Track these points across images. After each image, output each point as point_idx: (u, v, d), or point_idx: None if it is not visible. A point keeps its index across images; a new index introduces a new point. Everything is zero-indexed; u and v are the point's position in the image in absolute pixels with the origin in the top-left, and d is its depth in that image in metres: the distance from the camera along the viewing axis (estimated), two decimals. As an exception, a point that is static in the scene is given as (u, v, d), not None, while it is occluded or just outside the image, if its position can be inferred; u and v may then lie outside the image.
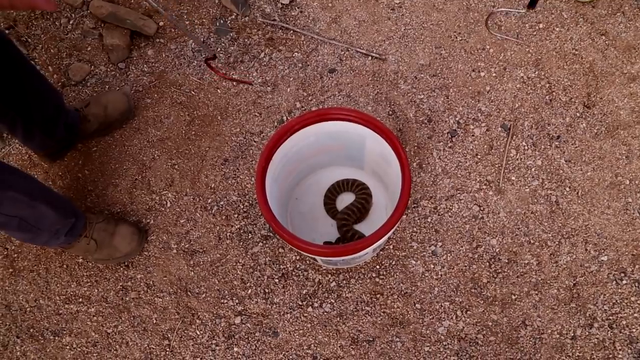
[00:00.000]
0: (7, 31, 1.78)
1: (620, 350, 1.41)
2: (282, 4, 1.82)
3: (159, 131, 1.68)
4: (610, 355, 1.40)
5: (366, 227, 1.54)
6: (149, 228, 1.58)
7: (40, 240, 1.39)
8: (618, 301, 1.45)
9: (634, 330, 1.42)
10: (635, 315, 1.43)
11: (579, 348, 1.41)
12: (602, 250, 1.50)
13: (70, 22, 1.82)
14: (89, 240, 1.46)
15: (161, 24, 1.80)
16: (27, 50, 1.77)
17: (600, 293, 1.46)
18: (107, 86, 1.73)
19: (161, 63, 1.76)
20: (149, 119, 1.70)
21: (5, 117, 1.40)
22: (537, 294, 1.47)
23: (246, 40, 1.78)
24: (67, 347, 1.48)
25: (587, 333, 1.43)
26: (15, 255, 1.57)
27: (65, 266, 1.55)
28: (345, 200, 1.58)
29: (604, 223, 1.53)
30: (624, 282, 1.47)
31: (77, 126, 1.58)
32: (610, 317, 1.44)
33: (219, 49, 1.77)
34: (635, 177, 1.57)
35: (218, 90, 1.72)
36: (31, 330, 1.50)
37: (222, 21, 1.80)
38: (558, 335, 1.43)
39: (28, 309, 1.52)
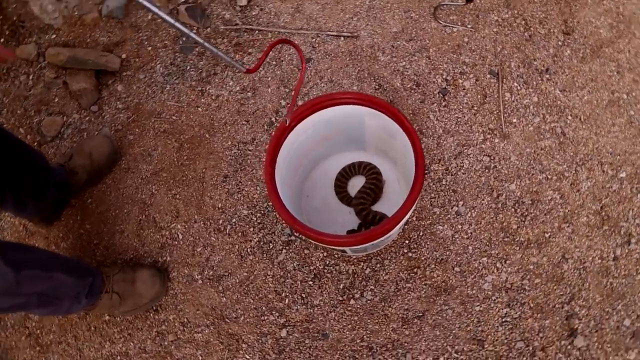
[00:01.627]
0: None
1: (662, 259, 1.41)
2: (240, 6, 1.77)
3: (150, 165, 1.62)
4: (655, 266, 1.41)
5: (384, 206, 1.51)
6: (168, 265, 1.52)
7: (63, 310, 1.32)
8: (648, 212, 1.46)
9: (669, 236, 1.43)
10: (667, 221, 1.44)
11: (623, 267, 1.41)
12: (619, 167, 1.50)
13: (30, 78, 1.73)
14: (111, 294, 1.40)
15: (124, 56, 1.73)
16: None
17: (629, 209, 1.46)
18: (85, 133, 1.66)
19: (134, 96, 1.70)
20: (136, 155, 1.63)
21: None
22: (568, 226, 1.46)
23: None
24: (117, 407, 1.42)
25: (626, 251, 1.42)
26: (38, 331, 1.49)
27: (93, 328, 1.48)
28: (356, 184, 1.55)
29: (613, 141, 1.53)
30: (648, 192, 1.47)
31: (66, 182, 1.51)
32: (644, 230, 1.44)
33: (188, 67, 1.71)
34: (631, 89, 1.57)
35: (199, 109, 1.67)
36: (76, 400, 1.44)
37: (184, 38, 1.74)
38: (600, 260, 1.42)
39: (67, 381, 1.46)
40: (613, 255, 1.43)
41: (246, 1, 1.77)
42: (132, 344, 1.46)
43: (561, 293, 1.41)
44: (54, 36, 1.75)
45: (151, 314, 1.48)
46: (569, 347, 1.36)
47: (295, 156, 1.41)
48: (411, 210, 1.20)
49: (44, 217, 1.53)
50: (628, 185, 1.48)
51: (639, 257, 1.41)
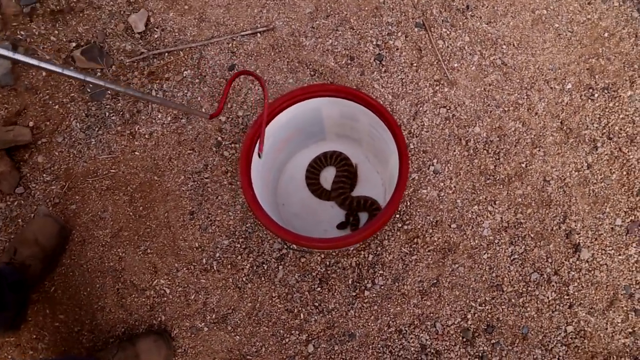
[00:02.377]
0: None
1: (628, 152, 1.47)
2: (138, 33, 1.61)
3: (106, 229, 1.46)
4: (624, 161, 1.47)
5: (364, 188, 1.47)
6: (166, 325, 1.39)
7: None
8: (601, 114, 1.51)
9: (627, 129, 1.49)
10: (621, 116, 1.50)
11: (598, 172, 1.46)
12: (564, 80, 1.54)
13: None
14: (118, 378, 1.27)
15: (31, 124, 1.53)
16: None
17: (585, 116, 1.51)
18: (19, 220, 1.46)
19: (60, 162, 1.51)
20: (87, 223, 1.46)
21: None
22: (539, 150, 1.49)
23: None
24: None
25: (596, 156, 1.48)
26: None
27: (108, 419, 1.34)
28: (328, 177, 1.49)
29: (550, 57, 1.57)
30: (596, 95, 1.53)
31: (21, 279, 1.33)
32: (605, 130, 1.50)
33: (106, 113, 1.55)
34: (548, 3, 1.61)
35: (136, 153, 1.52)
36: None
37: (91, 85, 1.57)
38: (577, 173, 1.47)
39: None
40: (586, 164, 1.48)
41: (143, 26, 1.61)
42: (158, 420, 1.33)
43: (554, 215, 1.44)
44: (-55, 126, 1.51)
45: (167, 382, 1.36)
46: (577, 262, 1.41)
47: (264, 171, 1.32)
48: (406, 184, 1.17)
49: (8, 326, 1.34)
50: (577, 94, 1.53)
51: (608, 157, 1.48)
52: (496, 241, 1.42)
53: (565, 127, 1.50)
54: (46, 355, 1.36)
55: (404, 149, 1.15)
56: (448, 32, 1.58)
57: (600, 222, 1.43)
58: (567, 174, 1.47)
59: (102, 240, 1.46)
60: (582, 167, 1.47)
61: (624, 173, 1.46)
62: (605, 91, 1.52)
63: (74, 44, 1.59)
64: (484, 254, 1.42)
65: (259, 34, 1.61)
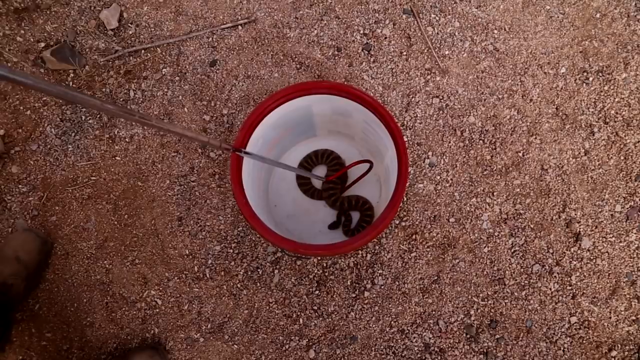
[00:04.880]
0: None
1: (625, 136, 1.44)
2: (111, 30, 1.51)
3: (90, 240, 1.39)
4: (621, 145, 1.44)
5: (357, 185, 1.41)
6: (160, 338, 1.33)
7: None
8: (597, 98, 1.48)
9: (624, 113, 1.46)
10: (617, 100, 1.47)
11: (595, 158, 1.43)
12: (557, 64, 1.50)
13: None
14: (112, 398, 1.21)
15: (2, 132, 1.43)
16: None
17: (580, 100, 1.48)
18: (-3, 236, 1.38)
19: (36, 172, 1.42)
20: (69, 235, 1.39)
21: None
22: (535, 138, 1.45)
23: (104, 89, 1.48)
24: None
25: (593, 141, 1.45)
26: None
27: None
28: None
29: (542, 41, 1.52)
30: (591, 78, 1.49)
31: (2, 300, 1.25)
32: (601, 115, 1.46)
33: (83, 117, 1.46)
34: (538, -16, 1.57)
35: (117, 158, 1.44)
36: None
37: (63, 86, 1.47)
38: (574, 159, 1.44)
39: None
40: (584, 150, 1.44)
41: (116, 22, 1.51)
42: None
43: (553, 204, 1.41)
44: None
45: (164, 397, 1.31)
46: (578, 251, 1.38)
47: (255, 173, 1.26)
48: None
49: (-7, 348, 1.27)
50: (571, 79, 1.49)
51: (605, 142, 1.45)
52: (496, 234, 1.39)
53: (560, 113, 1.46)
54: (35, 377, 1.30)
55: (402, 148, 1.09)
56: (437, 18, 1.52)
57: (599, 210, 1.41)
58: (565, 161, 1.44)
59: (87, 253, 1.38)
60: (579, 153, 1.44)
61: (622, 158, 1.43)
62: (600, 74, 1.49)
63: (42, 44, 1.49)
64: (484, 247, 1.38)
65: (240, 27, 1.53)
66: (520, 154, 1.44)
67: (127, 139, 1.45)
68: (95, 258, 1.38)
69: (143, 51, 1.52)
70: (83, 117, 1.46)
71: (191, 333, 1.34)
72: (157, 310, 1.35)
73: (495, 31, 1.52)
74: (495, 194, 1.42)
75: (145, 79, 1.50)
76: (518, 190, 1.42)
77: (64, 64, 1.47)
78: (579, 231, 1.39)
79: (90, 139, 1.45)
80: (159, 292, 1.36)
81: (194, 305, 1.35)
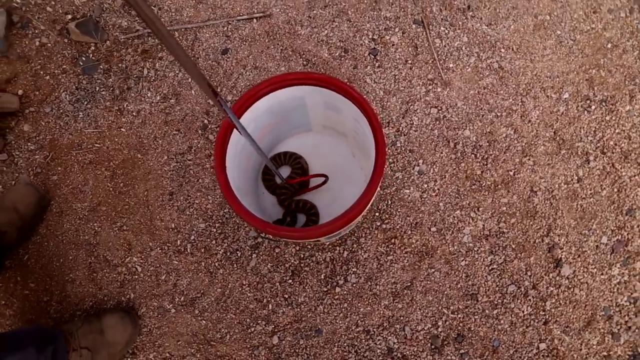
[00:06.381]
0: None
1: (621, 168, 1.42)
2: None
3: (85, 202, 1.46)
4: (616, 177, 1.42)
5: (348, 184, 1.44)
6: (134, 303, 1.39)
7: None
8: (597, 127, 1.46)
9: (623, 145, 1.44)
10: (617, 131, 1.45)
11: (588, 186, 1.42)
12: (561, 89, 1.50)
13: None
14: (80, 352, 1.25)
15: (20, 92, 1.54)
16: None
17: (580, 128, 1.47)
18: (0, 187, 1.48)
19: (46, 132, 1.51)
20: (67, 195, 1.47)
21: None
22: (529, 159, 1.45)
23: (120, 65, 1.57)
24: None
25: (587, 169, 1.43)
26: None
27: (68, 390, 1.34)
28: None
29: (549, 64, 1.52)
30: (593, 107, 1.48)
31: (-5, 245, 1.34)
32: (599, 144, 1.45)
33: (97, 88, 1.55)
34: (552, 9, 1.56)
35: (122, 130, 1.51)
36: None
37: (83, 58, 1.57)
38: (566, 185, 1.42)
39: None
40: (577, 177, 1.43)
41: (143, 2, 1.61)
42: (116, 397, 1.33)
43: (538, 227, 1.40)
44: None
45: (128, 358, 1.35)
46: (557, 278, 1.36)
47: (243, 157, 1.30)
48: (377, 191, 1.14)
49: (-22, 289, 1.35)
50: (573, 105, 1.49)
51: (600, 172, 1.43)
52: (476, 249, 1.39)
53: (558, 138, 1.46)
54: (13, 322, 1.37)
55: (380, 138, 1.11)
56: (446, 31, 1.55)
57: (585, 239, 1.38)
58: (556, 186, 1.42)
59: (80, 214, 1.46)
60: (572, 180, 1.42)
61: (615, 190, 1.41)
62: (603, 104, 1.47)
63: (69, 16, 1.59)
64: (462, 260, 1.38)
65: (255, 20, 1.59)
66: (511, 173, 1.43)
67: (134, 113, 1.53)
68: (87, 219, 1.45)
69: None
70: (97, 88, 1.55)
71: (164, 303, 1.39)
72: (136, 276, 1.41)
73: (503, 50, 1.53)
74: (480, 209, 1.41)
75: (160, 59, 1.58)
76: (504, 208, 1.41)
77: (87, 37, 1.57)
78: (561, 257, 1.37)
79: (101, 109, 1.54)
80: (140, 259, 1.42)
81: (171, 277, 1.40)
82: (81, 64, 1.56)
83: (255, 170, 1.46)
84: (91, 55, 1.58)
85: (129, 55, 1.58)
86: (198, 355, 1.34)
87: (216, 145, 1.14)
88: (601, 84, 1.49)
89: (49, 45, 1.58)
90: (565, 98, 1.49)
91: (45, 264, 1.42)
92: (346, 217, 1.09)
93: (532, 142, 1.45)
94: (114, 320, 1.32)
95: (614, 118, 1.46)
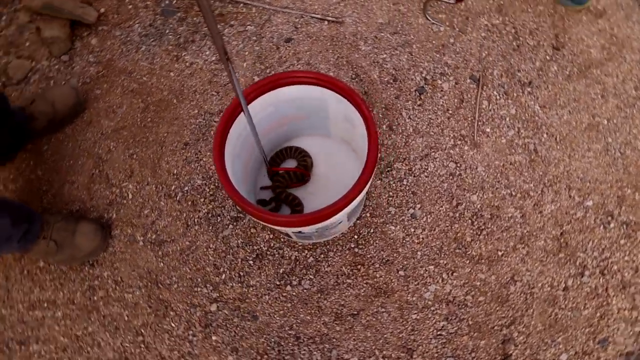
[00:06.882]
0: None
1: (613, 296, 1.34)
2: (229, -24, 1.73)
3: (112, 122, 1.59)
4: (604, 302, 1.34)
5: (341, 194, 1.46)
6: (112, 223, 1.49)
7: (-8, 247, 1.31)
8: (607, 246, 1.39)
9: (625, 274, 1.36)
10: (626, 258, 1.37)
11: (571, 299, 1.35)
12: (587, 195, 1.44)
13: (3, 18, 1.71)
14: (48, 241, 1.37)
15: (102, 10, 1.70)
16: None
17: (589, 239, 1.40)
18: (52, 81, 1.63)
19: (107, 51, 1.67)
20: (100, 110, 1.61)
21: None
22: (523, 248, 1.40)
23: (195, 19, 1.69)
24: (35, 355, 1.38)
25: (578, 282, 1.36)
26: (-28, 266, 1.49)
27: (26, 272, 1.46)
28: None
29: (585, 167, 1.46)
30: (612, 225, 1.40)
31: (24, 127, 1.49)
32: (601, 263, 1.38)
33: (167, 31, 1.68)
34: (613, 115, 1.50)
35: (171, 74, 1.63)
36: (-4, 343, 1.42)
37: (167, 1, 1.71)
38: (549, 288, 1.36)
39: (-9, 322, 1.44)
40: (564, 285, 1.36)
41: (236, -28, 1.73)
42: (61, 293, 1.43)
43: (503, 315, 1.35)
44: (34, -21, 1.73)
45: (86, 268, 1.45)
46: (500, 370, 1.31)
47: (246, 142, 1.36)
48: (357, 200, 1.15)
49: (-4, 156, 1.51)
50: (593, 215, 1.42)
51: (589, 291, 1.35)
52: (433, 308, 1.36)
53: (562, 240, 1.39)
54: (11, 196, 1.51)
55: (368, 169, 1.14)
56: (498, 97, 1.53)
57: (544, 347, 1.31)
58: (539, 284, 1.36)
59: (104, 130, 1.59)
60: (558, 285, 1.36)
61: (598, 314, 1.33)
62: (624, 226, 1.39)
63: (172, -38, 1.75)
64: (415, 314, 1.36)
65: (326, 22, 1.66)
66: (500, 254, 1.39)
67: (187, 63, 1.64)
68: (107, 137, 1.58)
69: (242, 5, 1.71)
70: (167, 31, 1.68)
71: (136, 234, 1.47)
72: (125, 201, 1.51)
73: (545, 135, 1.49)
74: (454, 274, 1.38)
75: (230, 26, 1.69)
76: (478, 283, 1.37)
77: (179, -17, 1.71)
78: (511, 354, 1.31)
79: (162, 49, 1.67)
80: (134, 188, 1.52)
81: (152, 214, 1.49)
82: (163, 5, 1.71)
83: (259, 159, 1.52)
84: (174, 1, 1.72)
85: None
86: (143, 290, 1.42)
87: (224, 113, 1.21)
88: (630, 207, 1.41)
89: (144, -20, 1.74)
90: (587, 205, 1.42)
91: (57, 160, 1.56)
92: (325, 211, 1.12)
93: (534, 234, 1.40)
94: (87, 229, 1.42)
95: (628, 244, 1.38)
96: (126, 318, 1.41)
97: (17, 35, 1.68)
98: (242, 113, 1.27)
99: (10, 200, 1.35)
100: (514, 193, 1.45)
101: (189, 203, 1.50)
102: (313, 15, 1.66)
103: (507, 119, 1.51)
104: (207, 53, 1.65)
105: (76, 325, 1.41)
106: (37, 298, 1.43)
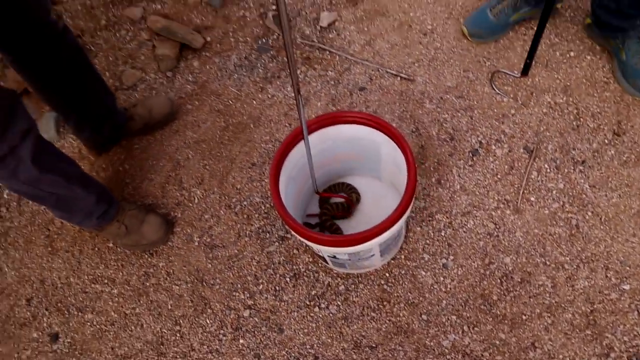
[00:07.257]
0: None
1: (636, 384, 1.32)
2: (320, 26, 1.94)
3: (195, 134, 1.81)
4: (626, 389, 1.32)
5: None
6: (176, 221, 1.68)
7: (75, 220, 1.52)
8: (638, 332, 1.38)
9: (653, 364, 1.34)
10: (656, 348, 1.35)
11: (591, 377, 1.34)
12: (625, 279, 1.44)
13: (129, 34, 2.03)
14: (120, 225, 1.58)
15: (208, 39, 1.97)
16: (90, 57, 1.98)
17: (620, 323, 1.39)
18: (154, 91, 1.90)
19: (205, 74, 1.92)
20: (188, 122, 1.83)
21: (62, 109, 1.59)
22: (549, 317, 1.42)
23: (284, 58, 1.91)
24: (88, 323, 1.57)
25: (601, 362, 1.36)
26: (56, 236, 1.71)
27: (97, 249, 1.67)
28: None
29: (627, 251, 1.47)
30: (646, 313, 1.39)
31: (123, 125, 1.74)
32: (630, 349, 1.36)
33: (258, 65, 1.91)
34: (665, 207, 1.51)
35: (254, 102, 1.84)
36: (59, 304, 1.61)
37: (264, 40, 1.94)
38: (569, 362, 1.37)
39: (59, 285, 1.64)
40: (585, 361, 1.36)
41: (327, 23, 1.94)
42: (121, 274, 1.62)
43: (516, 377, 1.37)
44: (158, 6, 2.06)
45: (146, 256, 1.64)
46: None
47: (301, 169, 1.48)
48: (389, 232, 1.25)
49: (96, 146, 1.76)
50: (628, 299, 1.41)
51: (611, 372, 1.34)
52: (448, 357, 1.40)
53: (591, 318, 1.40)
54: (98, 179, 1.74)
55: (404, 203, 1.24)
56: (548, 170, 1.59)
57: (554, 418, 1.31)
58: (560, 356, 1.37)
59: (187, 140, 1.80)
60: (578, 361, 1.36)
61: (616, 397, 1.31)
62: (658, 317, 1.38)
63: (273, 7, 1.98)
64: (430, 358, 1.40)
65: (399, 78, 1.81)
66: (524, 317, 1.41)
67: (269, 95, 1.85)
68: (188, 146, 1.79)
69: (328, 52, 1.90)
70: (258, 65, 1.91)
71: (194, 235, 1.65)
72: (190, 204, 1.70)
73: (590, 214, 1.52)
74: (475, 328, 1.42)
75: (313, 69, 1.88)
76: (497, 342, 1.40)
77: (276, 27, 1.94)
78: (519, 417, 1.31)
79: (250, 80, 1.89)
80: (201, 194, 1.71)
81: (211, 220, 1.66)
82: (260, 43, 1.94)
83: (318, 185, 1.66)
84: (270, 41, 1.95)
85: (296, 55, 1.91)
86: (189, 285, 1.57)
87: (286, 137, 1.37)
88: (667, 297, 1.40)
89: (248, 19, 1.99)
90: (624, 289, 1.42)
91: (142, 159, 1.79)
92: (357, 236, 1.23)
93: (563, 306, 1.42)
94: (154, 221, 1.62)
95: (659, 334, 1.36)
96: (169, 307, 1.56)
97: (136, 50, 1.99)
98: (302, 141, 1.43)
99: (99, 183, 1.57)
100: (548, 263, 1.48)
101: (245, 216, 1.66)
102: (388, 70, 1.82)
103: (554, 191, 1.56)
104: (289, 89, 1.84)
105: (127, 304, 1.59)
106: (100, 273, 1.63)
